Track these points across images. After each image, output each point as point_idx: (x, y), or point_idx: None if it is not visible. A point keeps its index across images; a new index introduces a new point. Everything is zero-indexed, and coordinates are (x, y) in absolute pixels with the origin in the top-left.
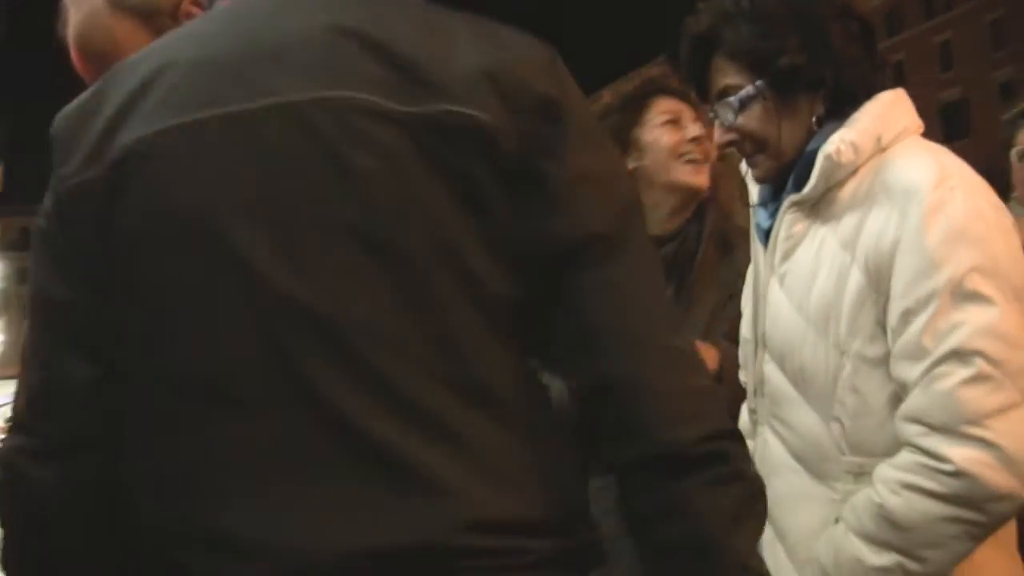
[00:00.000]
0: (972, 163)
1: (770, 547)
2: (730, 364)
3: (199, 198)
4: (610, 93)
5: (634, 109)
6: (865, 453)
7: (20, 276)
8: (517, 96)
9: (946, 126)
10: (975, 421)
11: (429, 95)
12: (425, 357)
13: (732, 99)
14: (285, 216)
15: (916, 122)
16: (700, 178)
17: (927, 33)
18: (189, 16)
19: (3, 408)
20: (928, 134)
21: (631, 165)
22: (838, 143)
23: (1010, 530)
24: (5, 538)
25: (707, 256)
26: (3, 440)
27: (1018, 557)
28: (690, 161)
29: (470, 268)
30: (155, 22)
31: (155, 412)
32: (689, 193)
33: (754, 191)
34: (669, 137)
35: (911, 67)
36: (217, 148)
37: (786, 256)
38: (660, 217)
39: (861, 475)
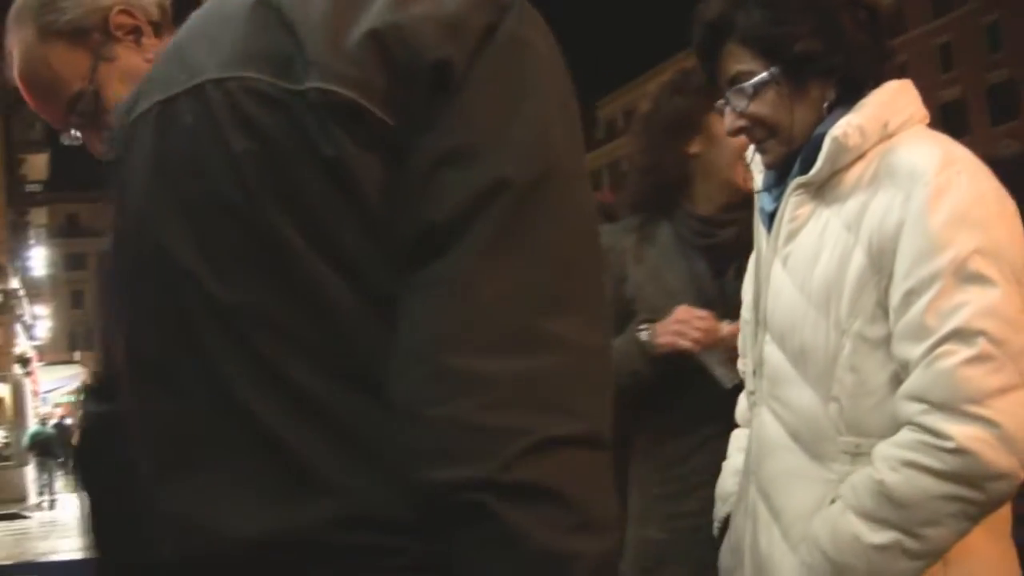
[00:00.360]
0: None
1: (765, 527)
2: None
3: (137, 184)
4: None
5: (717, 96)
6: (862, 433)
7: (67, 262)
8: (404, 61)
9: (946, 125)
10: (976, 400)
11: (310, 72)
12: (312, 345)
13: (745, 85)
14: (191, 199)
15: (922, 111)
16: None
17: (928, 36)
18: (122, 27)
19: (54, 392)
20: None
21: (693, 149)
22: (845, 126)
23: (1004, 514)
24: None
25: None
26: (55, 426)
27: (1011, 541)
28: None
29: (351, 258)
30: (86, 41)
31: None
32: (741, 194)
33: (759, 177)
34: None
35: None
36: (155, 136)
37: (790, 237)
38: (711, 205)
39: (858, 455)
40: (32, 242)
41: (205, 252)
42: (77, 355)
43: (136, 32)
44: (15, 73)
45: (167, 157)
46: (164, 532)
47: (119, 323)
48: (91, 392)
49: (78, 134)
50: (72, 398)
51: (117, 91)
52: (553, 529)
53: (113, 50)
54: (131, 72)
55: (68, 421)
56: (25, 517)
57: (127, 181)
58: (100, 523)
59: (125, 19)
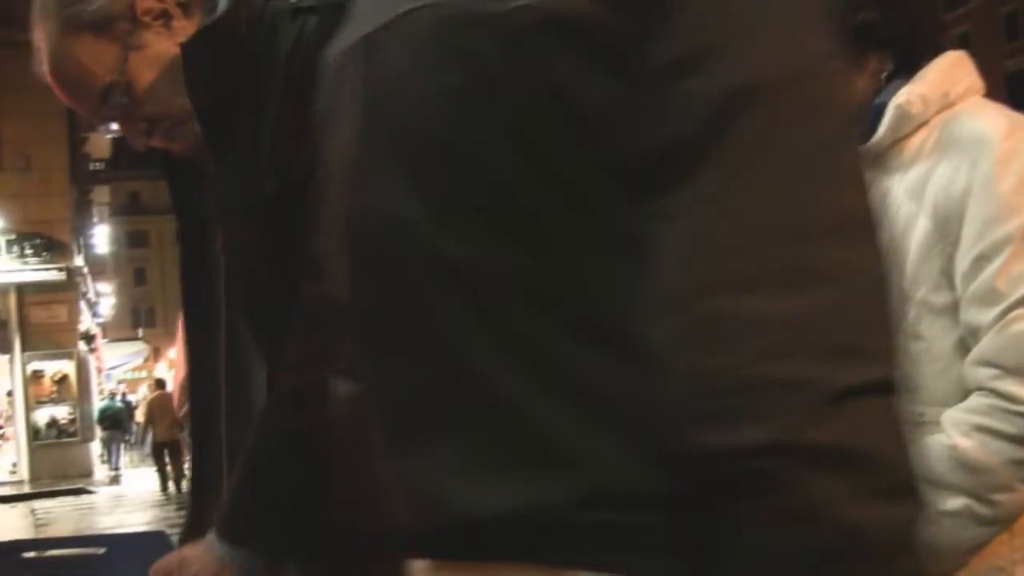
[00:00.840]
0: None
1: None
2: None
3: (345, 132)
4: None
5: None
6: (925, 402)
7: (130, 240)
8: None
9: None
10: None
11: None
12: (547, 300)
13: None
14: (404, 141)
15: (979, 83)
16: None
17: (993, 4)
18: (150, 13)
19: (118, 369)
20: None
21: None
22: (907, 94)
23: None
24: None
25: None
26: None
27: None
28: None
29: (582, 194)
30: (112, 31)
31: None
32: None
33: None
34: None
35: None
36: (361, 75)
37: None
38: None
39: (921, 424)
40: (95, 220)
41: (425, 200)
42: (140, 332)
43: (165, 16)
44: (45, 69)
45: (376, 97)
46: (398, 506)
47: (342, 286)
48: (342, 371)
49: (115, 126)
50: (135, 375)
51: (150, 80)
52: (857, 497)
53: (142, 38)
54: (163, 59)
55: (131, 398)
56: (91, 492)
57: (334, 131)
58: (328, 496)
59: (152, 3)
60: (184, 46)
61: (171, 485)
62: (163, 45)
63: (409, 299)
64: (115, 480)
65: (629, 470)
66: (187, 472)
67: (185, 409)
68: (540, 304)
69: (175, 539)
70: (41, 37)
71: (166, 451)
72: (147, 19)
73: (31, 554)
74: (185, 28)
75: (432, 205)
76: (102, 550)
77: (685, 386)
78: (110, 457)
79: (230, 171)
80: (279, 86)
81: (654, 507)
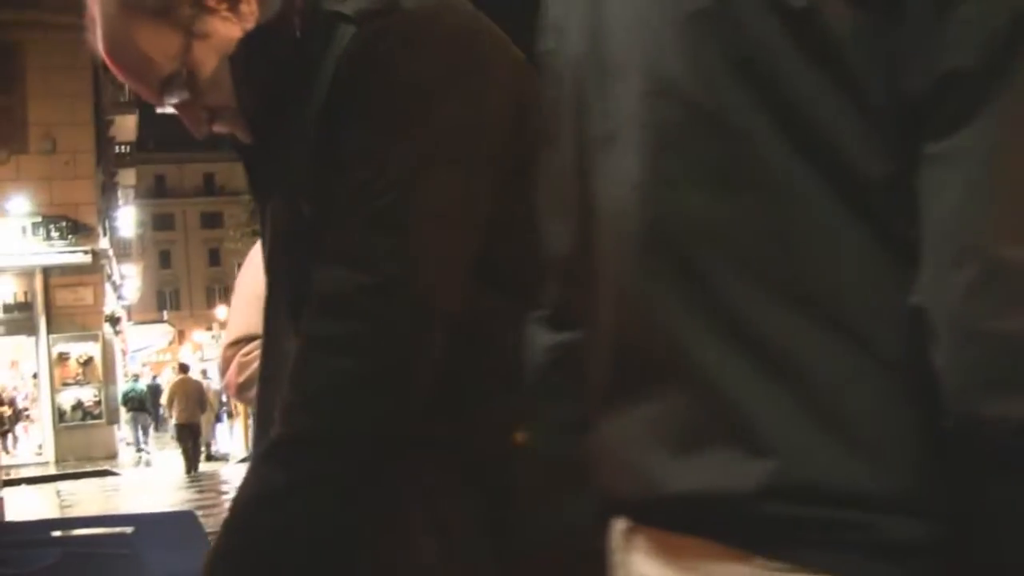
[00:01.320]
0: None
1: None
2: None
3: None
4: None
5: None
6: None
7: (155, 223)
8: None
9: None
10: None
11: None
12: (772, 266)
13: None
14: (630, 78)
15: None
16: None
17: None
18: None
19: (143, 351)
20: None
21: None
22: None
23: None
24: None
25: None
26: (149, 385)
27: None
28: None
29: (830, 143)
30: (175, 17)
31: None
32: None
33: None
34: None
35: None
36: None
37: None
38: None
39: None
40: (120, 203)
41: (643, 156)
42: (165, 314)
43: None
44: (100, 46)
45: (602, 30)
46: (603, 472)
47: (566, 240)
48: (543, 322)
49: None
50: (160, 357)
51: (214, 70)
52: None
53: (207, 25)
54: (228, 48)
55: (159, 380)
56: (115, 474)
57: (561, 73)
58: (559, 460)
59: None
60: (231, 57)
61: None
62: (231, 32)
63: (623, 260)
64: (142, 462)
65: (846, 463)
66: (203, 452)
67: (228, 375)
68: (762, 272)
69: (203, 519)
70: (97, 13)
71: (187, 432)
72: (212, 3)
73: (59, 533)
74: (253, 13)
75: (654, 159)
76: (131, 529)
77: (974, 349)
78: (136, 439)
79: (278, 182)
80: (322, 97)
81: (868, 505)
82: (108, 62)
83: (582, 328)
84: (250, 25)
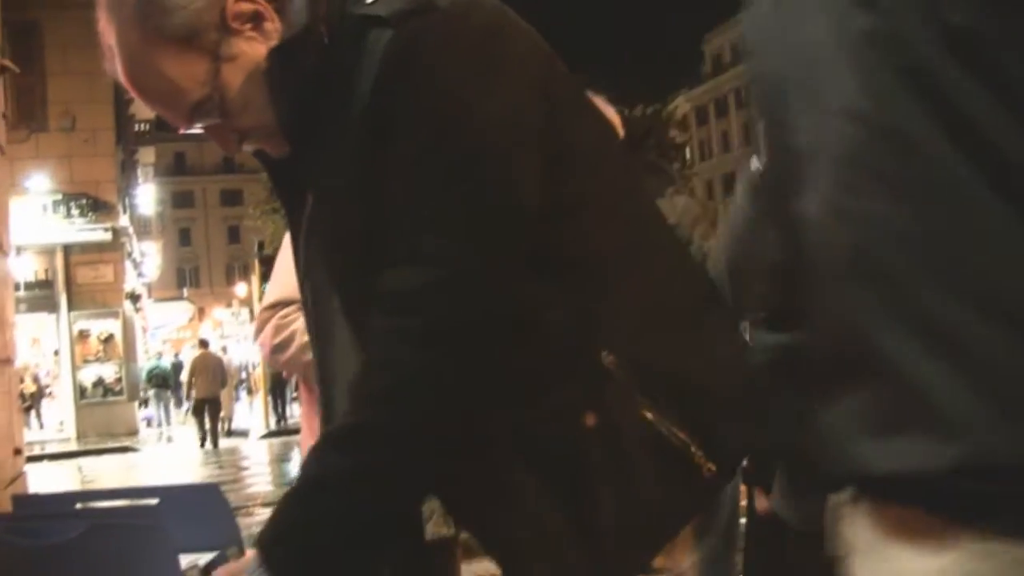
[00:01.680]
0: None
1: None
2: None
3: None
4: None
5: None
6: None
7: (175, 201)
8: None
9: None
10: None
11: None
12: (943, 260)
13: None
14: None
15: None
16: None
17: None
18: (241, 17)
19: (163, 329)
20: None
21: None
22: None
23: None
24: None
25: None
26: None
27: None
28: None
29: (994, 148)
30: (201, 42)
31: None
32: None
33: None
34: None
35: None
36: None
37: None
38: None
39: None
40: (140, 180)
41: (834, 172)
42: (185, 292)
43: (256, 19)
44: (120, 73)
45: (791, 52)
46: (823, 455)
47: (781, 246)
48: (762, 324)
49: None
50: (180, 334)
51: (243, 92)
52: None
53: (233, 47)
54: (256, 67)
55: (182, 358)
56: (136, 450)
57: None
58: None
59: (245, 6)
60: (266, 72)
61: (208, 442)
62: (256, 51)
63: (826, 268)
64: (163, 438)
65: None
66: (222, 428)
67: (264, 336)
68: (936, 266)
69: (227, 493)
70: (116, 43)
71: (206, 407)
72: (237, 25)
73: (83, 505)
74: (277, 30)
75: (844, 174)
76: (155, 501)
77: None
78: (158, 416)
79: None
80: (365, 99)
81: None
82: (133, 92)
83: (797, 329)
84: (275, 42)
